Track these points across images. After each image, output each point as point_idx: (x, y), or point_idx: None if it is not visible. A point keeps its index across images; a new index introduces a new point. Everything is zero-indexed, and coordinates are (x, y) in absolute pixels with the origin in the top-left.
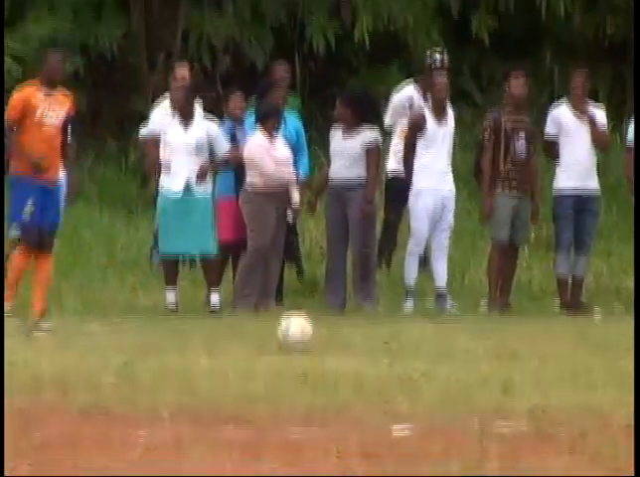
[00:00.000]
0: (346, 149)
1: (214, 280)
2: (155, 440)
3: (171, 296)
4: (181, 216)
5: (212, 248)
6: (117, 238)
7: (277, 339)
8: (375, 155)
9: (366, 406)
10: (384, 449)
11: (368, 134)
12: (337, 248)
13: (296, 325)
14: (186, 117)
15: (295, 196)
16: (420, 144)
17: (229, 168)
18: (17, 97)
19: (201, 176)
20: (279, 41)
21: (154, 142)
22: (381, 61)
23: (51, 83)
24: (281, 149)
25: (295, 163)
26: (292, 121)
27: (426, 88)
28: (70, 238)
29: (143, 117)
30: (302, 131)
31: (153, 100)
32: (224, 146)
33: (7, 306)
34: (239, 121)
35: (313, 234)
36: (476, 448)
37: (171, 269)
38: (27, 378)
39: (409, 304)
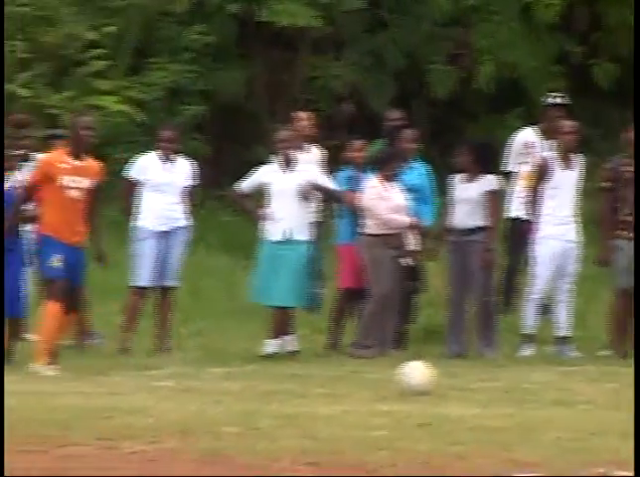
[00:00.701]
0: (467, 196)
1: (277, 330)
2: None
3: (286, 343)
4: (276, 264)
5: (293, 299)
6: (237, 285)
7: (398, 385)
8: (496, 202)
9: (486, 454)
10: None
11: (489, 181)
12: (458, 296)
13: (418, 371)
14: (288, 162)
15: (410, 241)
16: (546, 190)
17: (345, 213)
18: (42, 161)
19: (304, 195)
20: (400, 87)
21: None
22: (500, 107)
23: (78, 150)
24: (397, 195)
25: (419, 211)
26: (418, 169)
27: (546, 132)
28: (190, 284)
29: (263, 165)
30: (427, 180)
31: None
32: (330, 186)
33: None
34: (359, 168)
35: (435, 281)
36: None
37: (279, 317)
38: (149, 424)
39: (528, 351)
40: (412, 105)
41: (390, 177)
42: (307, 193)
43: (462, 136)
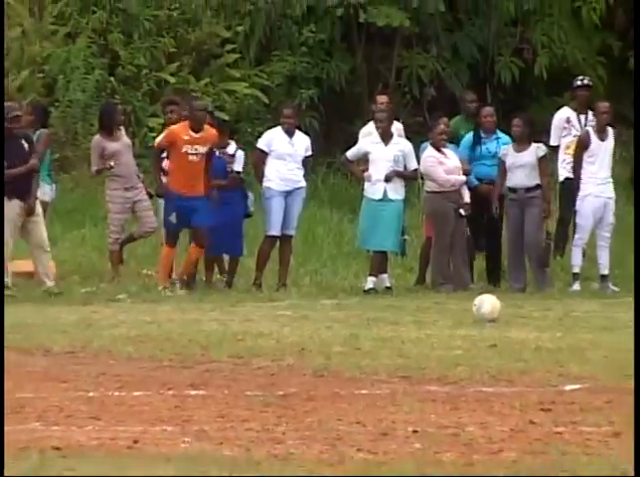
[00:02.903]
0: (523, 162)
1: (375, 270)
2: (374, 396)
3: (383, 280)
4: (376, 217)
5: (390, 245)
6: (344, 233)
7: (473, 314)
8: (547, 165)
9: (544, 369)
10: (558, 404)
11: (539, 148)
12: (519, 242)
13: (488, 303)
14: (386, 136)
15: (466, 195)
16: (586, 157)
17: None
18: (167, 132)
19: (388, 178)
20: (473, 75)
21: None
22: (555, 91)
23: (196, 125)
24: (451, 160)
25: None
26: (502, 138)
27: (577, 108)
28: (305, 233)
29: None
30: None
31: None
32: (414, 162)
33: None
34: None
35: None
36: (630, 402)
37: (378, 260)
38: (272, 345)
39: (576, 286)
40: (484, 90)
41: (440, 146)
42: (399, 162)
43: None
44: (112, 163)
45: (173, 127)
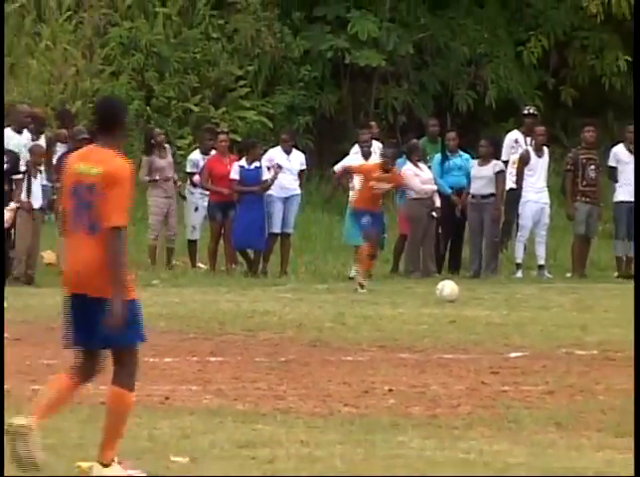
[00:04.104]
0: (483, 174)
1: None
2: (357, 362)
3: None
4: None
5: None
6: (333, 231)
7: (436, 296)
8: (502, 178)
9: (493, 340)
10: (504, 368)
11: (496, 165)
12: (476, 238)
13: (449, 287)
14: (366, 155)
15: (437, 201)
16: (526, 171)
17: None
18: (363, 167)
19: None
20: (436, 105)
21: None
22: (503, 118)
23: (385, 167)
24: (425, 172)
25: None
26: (462, 156)
27: (525, 132)
28: (302, 232)
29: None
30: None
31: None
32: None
33: None
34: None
35: None
36: (563, 367)
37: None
38: (276, 321)
39: (519, 274)
40: (445, 117)
41: (415, 161)
42: None
43: (482, 136)
44: (158, 176)
45: (368, 164)
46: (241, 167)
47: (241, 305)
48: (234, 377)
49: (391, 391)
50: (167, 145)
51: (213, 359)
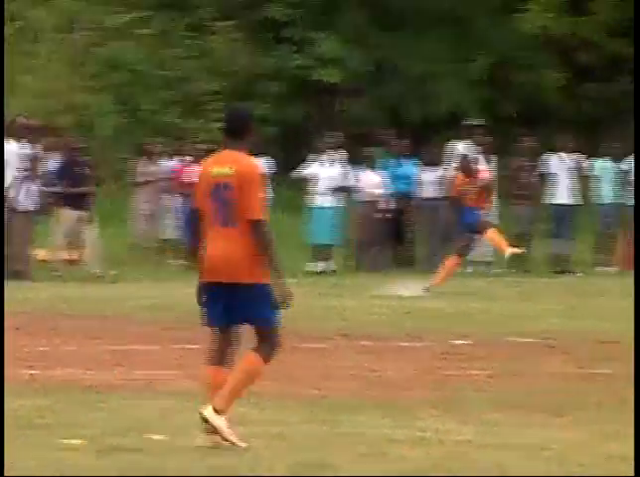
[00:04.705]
0: (432, 180)
1: (323, 257)
2: (322, 349)
3: (330, 265)
4: (320, 219)
5: (331, 239)
6: (300, 231)
7: (393, 289)
8: (449, 182)
9: (442, 329)
10: (453, 353)
11: (445, 169)
12: (432, 235)
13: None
14: (332, 160)
15: (382, 204)
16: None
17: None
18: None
19: (331, 191)
20: (390, 117)
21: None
22: (451, 128)
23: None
24: (375, 178)
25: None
26: (408, 163)
27: (472, 142)
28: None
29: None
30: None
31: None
32: (351, 180)
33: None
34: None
35: None
36: (505, 353)
37: (324, 250)
38: None
39: (470, 269)
40: (397, 128)
41: (371, 168)
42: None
43: (432, 145)
44: (146, 179)
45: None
46: None
47: None
48: None
49: (352, 375)
50: (157, 153)
51: (190, 346)
